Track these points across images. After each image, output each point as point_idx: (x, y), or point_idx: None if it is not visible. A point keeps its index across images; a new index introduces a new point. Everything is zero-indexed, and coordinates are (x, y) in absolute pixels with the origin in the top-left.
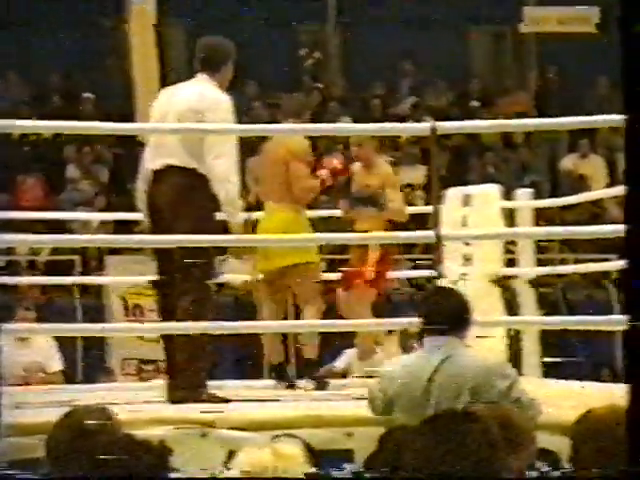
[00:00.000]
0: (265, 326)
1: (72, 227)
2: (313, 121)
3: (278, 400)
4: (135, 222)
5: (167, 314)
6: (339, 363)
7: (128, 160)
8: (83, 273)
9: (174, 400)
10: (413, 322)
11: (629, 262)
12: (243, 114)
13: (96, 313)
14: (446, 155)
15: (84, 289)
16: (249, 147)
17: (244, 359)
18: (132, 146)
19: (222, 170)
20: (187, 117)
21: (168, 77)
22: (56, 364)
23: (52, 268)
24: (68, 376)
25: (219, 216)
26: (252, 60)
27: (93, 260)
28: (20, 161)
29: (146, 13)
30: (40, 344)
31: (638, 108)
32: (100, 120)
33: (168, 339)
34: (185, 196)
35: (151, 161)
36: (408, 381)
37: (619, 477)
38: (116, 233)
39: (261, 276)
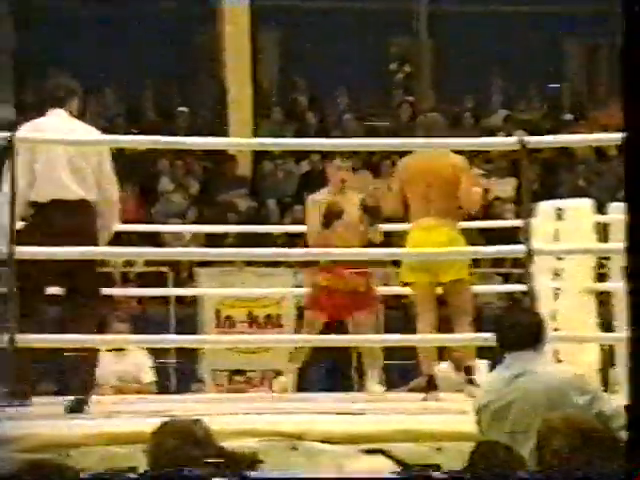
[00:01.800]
0: (351, 339)
1: (165, 239)
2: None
3: (368, 413)
4: (224, 235)
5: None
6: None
7: (216, 173)
8: (175, 284)
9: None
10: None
11: (630, 280)
12: (335, 126)
13: (190, 324)
14: (537, 168)
15: (178, 300)
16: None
17: (334, 372)
18: (221, 159)
19: (117, 195)
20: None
21: (261, 86)
22: (149, 375)
23: (145, 280)
24: (161, 387)
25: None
26: (344, 73)
27: (184, 271)
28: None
29: (240, 23)
30: (134, 355)
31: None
32: (193, 133)
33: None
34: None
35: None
36: (489, 397)
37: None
38: (207, 245)
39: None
